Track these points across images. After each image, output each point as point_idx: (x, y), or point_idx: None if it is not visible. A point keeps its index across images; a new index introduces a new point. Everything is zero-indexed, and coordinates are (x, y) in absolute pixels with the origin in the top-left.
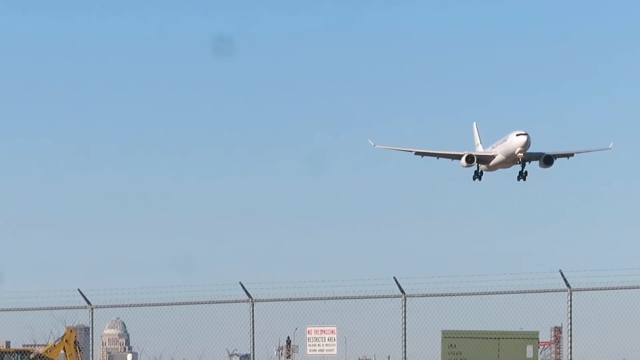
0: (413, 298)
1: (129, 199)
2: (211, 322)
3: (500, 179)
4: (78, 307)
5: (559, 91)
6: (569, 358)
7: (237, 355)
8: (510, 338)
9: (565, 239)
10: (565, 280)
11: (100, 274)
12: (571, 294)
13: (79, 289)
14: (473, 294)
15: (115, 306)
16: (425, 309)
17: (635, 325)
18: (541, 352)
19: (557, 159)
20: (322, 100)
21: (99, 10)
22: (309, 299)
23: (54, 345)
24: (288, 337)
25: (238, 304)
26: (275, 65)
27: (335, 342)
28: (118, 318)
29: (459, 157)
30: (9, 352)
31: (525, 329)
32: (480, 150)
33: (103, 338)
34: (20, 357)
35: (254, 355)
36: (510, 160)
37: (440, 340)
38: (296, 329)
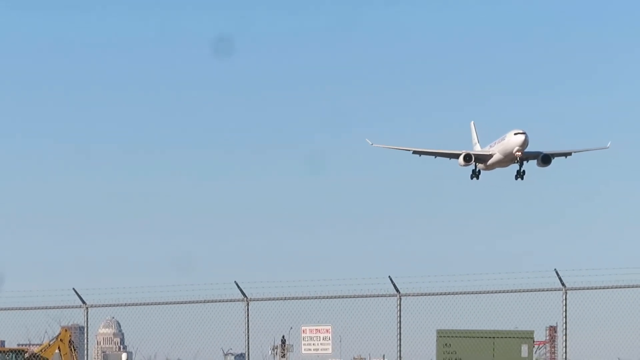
0: (408, 297)
1: (124, 199)
2: (206, 321)
3: (497, 178)
4: (73, 307)
5: (557, 90)
6: (564, 357)
7: (232, 354)
8: (505, 337)
9: (562, 238)
10: (560, 279)
11: (95, 273)
12: (566, 293)
13: (74, 288)
14: (468, 293)
15: (110, 305)
16: (420, 308)
17: (629, 325)
18: (536, 351)
19: (555, 158)
20: (320, 99)
21: (99, 11)
22: (304, 298)
23: (49, 345)
24: (283, 336)
25: (233, 303)
26: (275, 65)
27: (330, 341)
28: (113, 317)
29: (456, 156)
30: (4, 352)
31: (520, 328)
32: (478, 149)
33: (98, 337)
34: (15, 357)
35: (248, 355)
36: (508, 159)
37: (435, 340)
38: (291, 328)
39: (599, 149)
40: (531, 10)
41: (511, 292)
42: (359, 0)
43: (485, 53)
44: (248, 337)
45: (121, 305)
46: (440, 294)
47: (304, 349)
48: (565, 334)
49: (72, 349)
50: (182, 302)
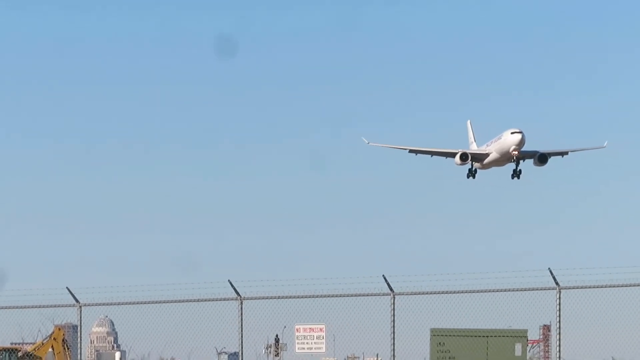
0: (402, 296)
1: (118, 198)
2: (200, 320)
3: (494, 178)
4: (66, 305)
5: (554, 90)
6: (558, 356)
7: (226, 353)
8: (499, 336)
9: (557, 237)
10: (554, 278)
11: (89, 272)
12: (560, 292)
13: (67, 287)
14: (462, 292)
15: (103, 304)
16: (414, 307)
17: (623, 324)
18: (530, 350)
19: (552, 157)
20: (316, 99)
21: (99, 9)
22: (298, 297)
23: (42, 344)
24: (276, 335)
25: (226, 301)
26: (274, 65)
27: (323, 340)
28: (106, 316)
29: (453, 155)
30: None
31: (514, 327)
32: (474, 148)
33: (91, 336)
34: (9, 356)
35: (242, 353)
36: (504, 158)
37: (429, 338)
38: (285, 326)
39: (595, 148)
40: (528, 10)
41: (505, 291)
42: (356, 1)
43: (482, 52)
44: (242, 336)
45: (115, 304)
46: (434, 292)
47: (298, 348)
48: (559, 333)
49: (66, 348)
50: (175, 301)
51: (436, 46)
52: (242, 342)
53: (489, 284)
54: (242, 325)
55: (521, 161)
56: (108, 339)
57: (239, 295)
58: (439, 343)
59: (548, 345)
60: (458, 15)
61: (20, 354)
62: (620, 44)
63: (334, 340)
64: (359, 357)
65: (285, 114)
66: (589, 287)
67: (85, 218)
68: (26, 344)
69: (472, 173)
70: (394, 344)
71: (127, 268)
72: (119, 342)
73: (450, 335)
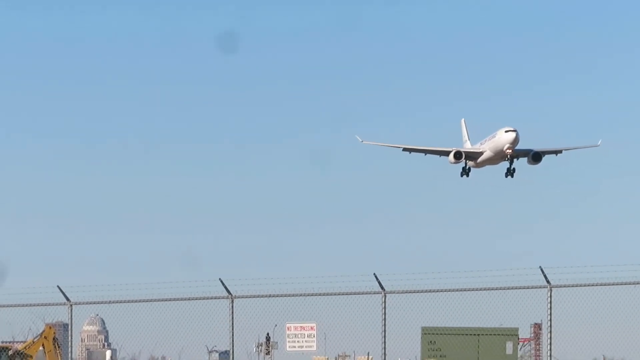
0: (393, 294)
1: (109, 196)
2: (190, 319)
3: (488, 176)
4: (57, 304)
5: (548, 88)
6: (549, 354)
7: (217, 351)
8: (490, 334)
9: (550, 235)
10: (545, 276)
11: (80, 270)
12: (551, 290)
13: (58, 286)
14: (453, 290)
15: (94, 303)
16: (405, 305)
17: (614, 322)
18: (521, 348)
19: (545, 155)
20: (311, 98)
21: (100, 8)
22: (289, 296)
23: (33, 342)
24: (267, 334)
25: (217, 300)
26: (273, 64)
27: (314, 339)
28: (97, 314)
29: (447, 153)
30: None
31: (505, 326)
32: (468, 146)
33: (82, 334)
34: None
35: (233, 352)
36: (498, 156)
37: (420, 337)
38: (276, 325)
39: (589, 146)
40: (522, 8)
41: (496, 289)
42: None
43: (476, 51)
44: (232, 335)
45: (105, 302)
46: (425, 291)
47: (289, 346)
48: (550, 331)
49: (56, 346)
50: (166, 300)
51: (429, 45)
52: (233, 340)
53: (480, 283)
54: (233, 323)
55: (515, 160)
56: (99, 337)
57: (230, 293)
58: (430, 341)
59: (539, 344)
60: (451, 15)
61: (10, 352)
62: (614, 42)
63: (325, 338)
64: (350, 356)
65: (285, 114)
66: (580, 286)
67: (77, 217)
68: (17, 342)
69: (465, 171)
70: (384, 342)
71: (118, 267)
72: (109, 341)
73: (441, 334)
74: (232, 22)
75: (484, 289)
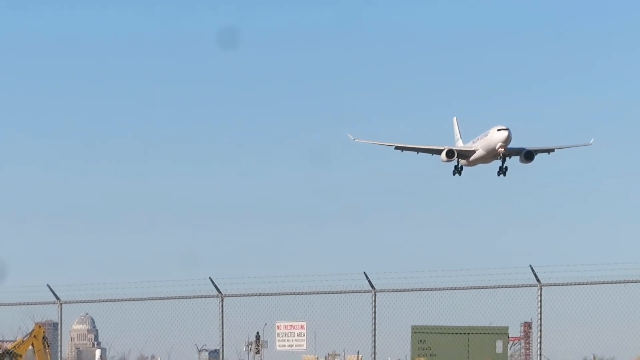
0: (383, 293)
1: (99, 195)
2: (180, 318)
3: (480, 175)
4: (47, 303)
5: (540, 87)
6: (539, 353)
7: (206, 350)
8: (480, 333)
9: (541, 234)
10: (535, 275)
11: (69, 269)
12: (541, 289)
13: (48, 285)
14: (443, 289)
15: (84, 302)
16: (395, 304)
17: (604, 321)
18: (511, 347)
19: (538, 154)
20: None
21: (100, 6)
22: (279, 294)
23: (22, 341)
24: (257, 333)
25: (207, 299)
26: (274, 64)
27: (304, 337)
28: (87, 313)
29: (439, 151)
30: None
31: (495, 324)
32: (460, 145)
33: (72, 333)
34: None
35: (223, 351)
36: (490, 155)
37: (410, 336)
38: (265, 324)
39: (582, 145)
40: (515, 8)
41: (486, 288)
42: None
43: (468, 50)
44: (222, 333)
45: (95, 301)
46: (415, 290)
47: (279, 345)
48: (540, 330)
49: (46, 345)
50: (156, 298)
51: (421, 44)
52: (222, 339)
53: (470, 281)
54: (222, 322)
55: (507, 158)
56: (88, 336)
57: (220, 292)
58: (420, 340)
59: (529, 343)
60: (448, 15)
61: (0, 351)
62: (606, 41)
63: (314, 337)
64: (339, 355)
65: (285, 114)
66: (570, 284)
67: (67, 215)
68: (6, 341)
69: (458, 170)
70: (374, 341)
71: (107, 266)
72: (99, 340)
73: (431, 333)
74: (232, 22)
75: (474, 288)
